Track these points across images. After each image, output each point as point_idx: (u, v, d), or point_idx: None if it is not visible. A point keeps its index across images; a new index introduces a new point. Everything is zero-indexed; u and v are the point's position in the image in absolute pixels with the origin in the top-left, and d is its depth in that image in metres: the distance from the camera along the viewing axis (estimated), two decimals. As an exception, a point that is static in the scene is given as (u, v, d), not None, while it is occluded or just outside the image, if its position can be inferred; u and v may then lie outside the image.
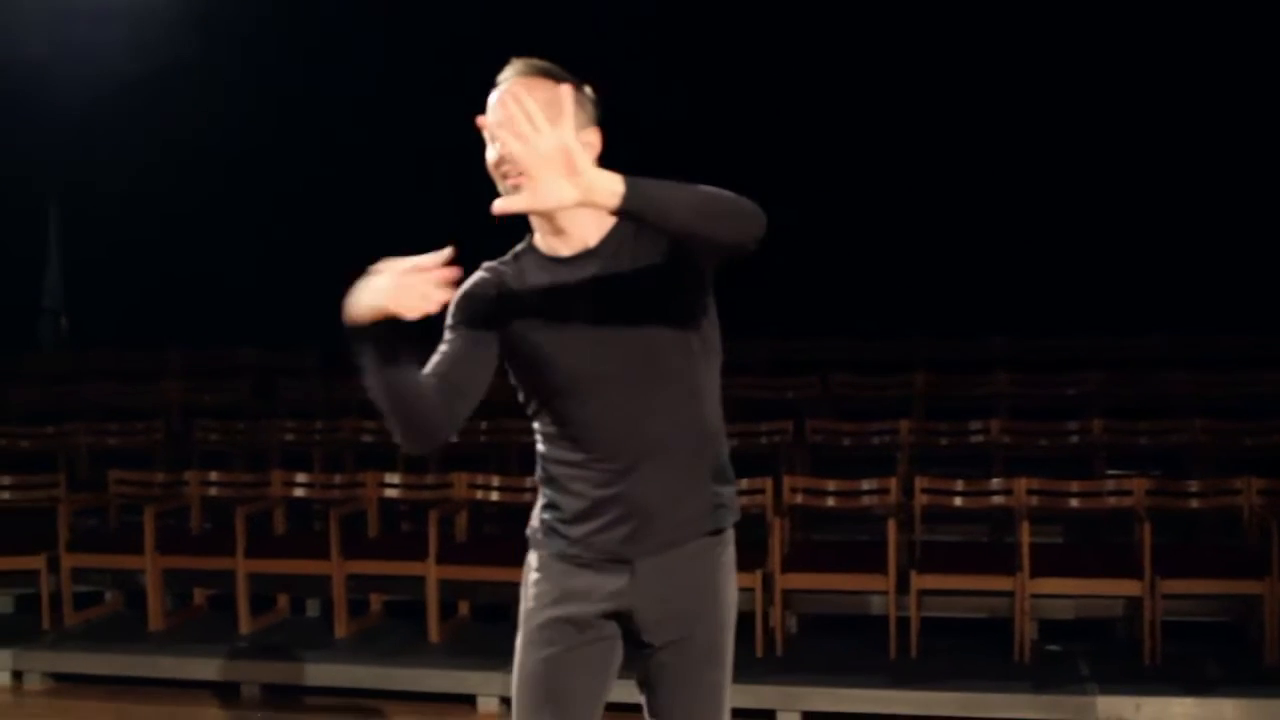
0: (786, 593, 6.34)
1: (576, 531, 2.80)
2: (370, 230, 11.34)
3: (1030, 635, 6.20)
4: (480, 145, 2.73)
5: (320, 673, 6.42)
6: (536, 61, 2.73)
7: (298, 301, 11.36)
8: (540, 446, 2.85)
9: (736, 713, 3.02)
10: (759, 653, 6.24)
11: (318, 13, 11.48)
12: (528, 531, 2.92)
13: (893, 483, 6.64)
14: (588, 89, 2.75)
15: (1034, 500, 6.52)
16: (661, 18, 11.01)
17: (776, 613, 6.31)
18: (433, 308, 2.46)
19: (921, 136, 10.87)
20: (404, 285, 2.44)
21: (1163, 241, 10.28)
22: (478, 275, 2.81)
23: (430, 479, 7.24)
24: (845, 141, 10.89)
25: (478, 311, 2.76)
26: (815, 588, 6.47)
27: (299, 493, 7.39)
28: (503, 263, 2.82)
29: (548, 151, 2.32)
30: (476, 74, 2.91)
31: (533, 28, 10.03)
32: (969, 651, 6.32)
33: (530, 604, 2.86)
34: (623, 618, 2.82)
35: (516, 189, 2.53)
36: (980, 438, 7.85)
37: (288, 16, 11.46)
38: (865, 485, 6.66)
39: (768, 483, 6.60)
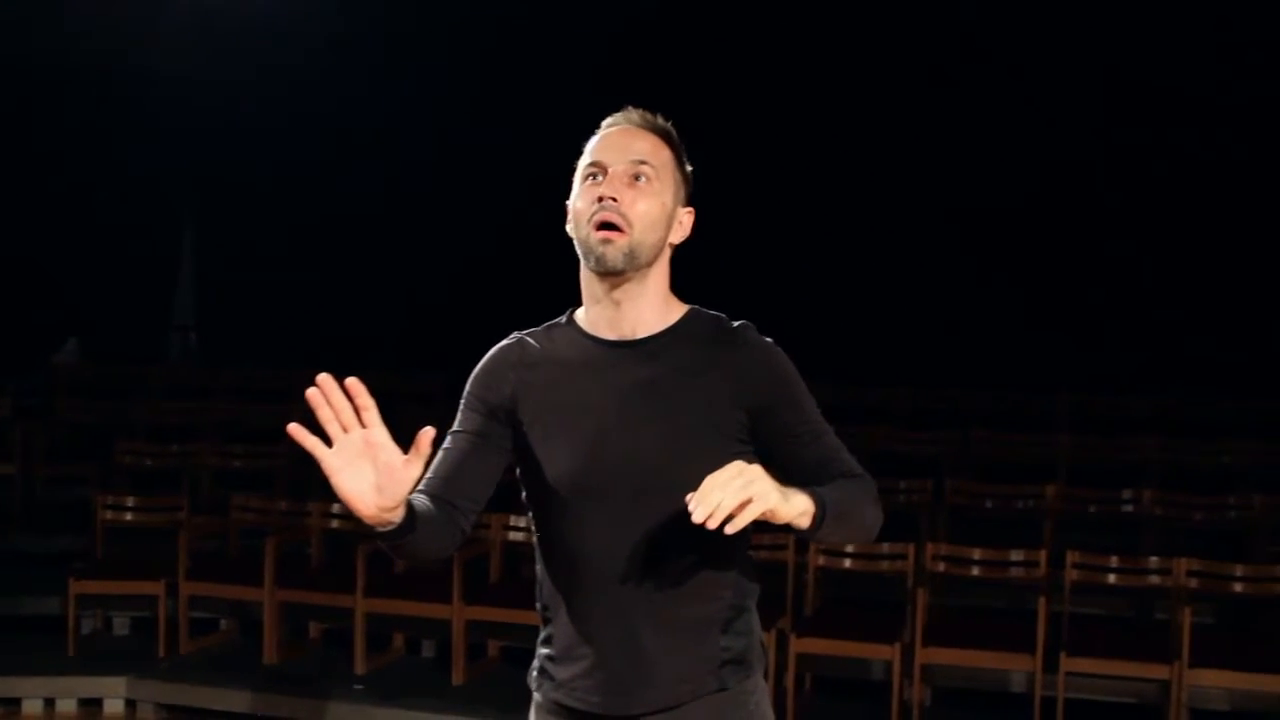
0: (925, 666, 6.04)
1: (563, 673, 2.45)
2: (506, 256, 11.29)
3: (1185, 725, 5.82)
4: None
5: (438, 723, 6.23)
6: (656, 119, 2.44)
7: (427, 325, 11.39)
8: (539, 566, 2.50)
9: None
10: (893, 728, 5.93)
11: (455, 39, 11.42)
12: (529, 671, 2.57)
13: (1042, 555, 6.28)
14: (688, 167, 2.48)
15: (1194, 582, 6.13)
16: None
17: (915, 686, 6.00)
18: (414, 469, 2.11)
19: (1075, 191, 10.52)
20: (381, 471, 2.10)
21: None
22: (501, 345, 2.50)
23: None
24: (985, 190, 10.59)
25: (490, 391, 2.44)
26: (956, 663, 6.12)
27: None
28: (533, 333, 2.48)
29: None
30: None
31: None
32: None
33: None
34: None
35: (606, 240, 2.32)
36: (1131, 507, 7.45)
37: (423, 43, 11.42)
38: (1013, 556, 6.32)
39: (909, 548, 6.30)
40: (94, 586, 7.09)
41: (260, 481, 8.36)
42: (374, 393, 2.13)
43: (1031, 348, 10.14)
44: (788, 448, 2.39)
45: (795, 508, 2.15)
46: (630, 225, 2.33)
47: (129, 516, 7.49)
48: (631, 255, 2.34)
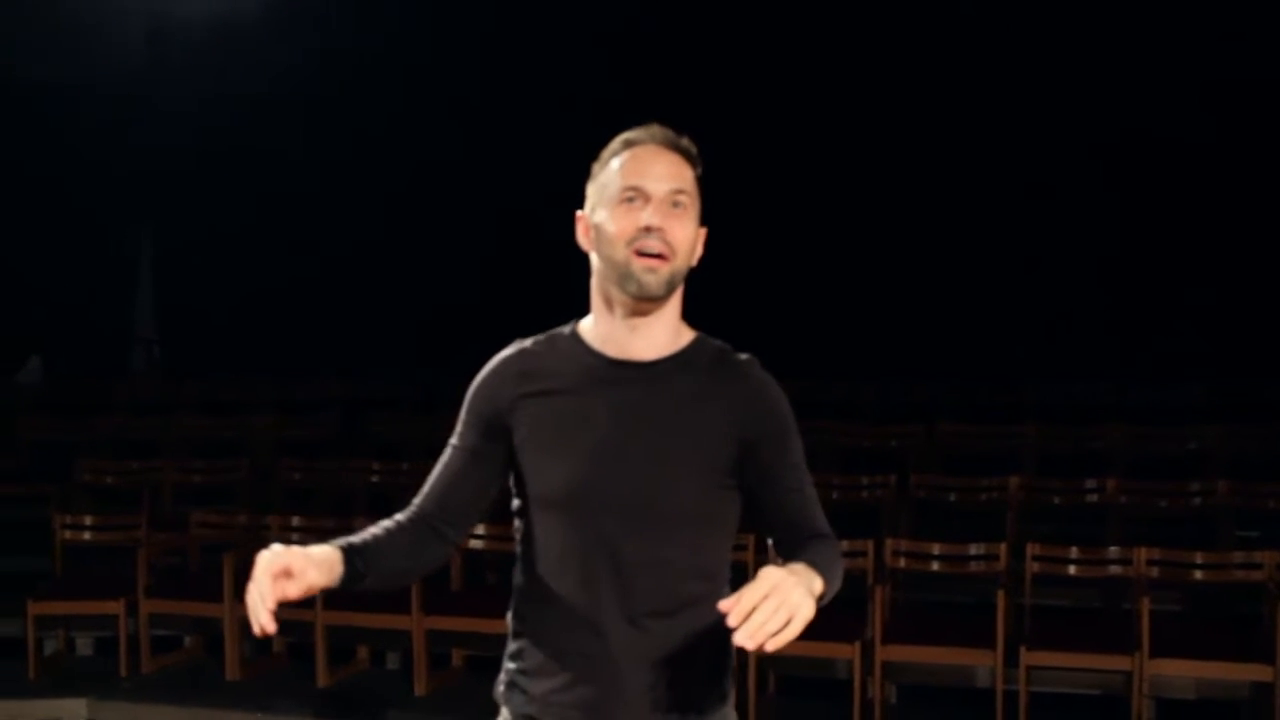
0: (886, 663, 6.01)
1: (538, 688, 2.41)
2: (463, 265, 11.26)
3: (1148, 715, 5.80)
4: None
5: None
6: (681, 139, 2.40)
7: (395, 334, 11.36)
8: (517, 578, 2.48)
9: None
10: (856, 726, 5.91)
11: (413, 51, 11.40)
12: (495, 686, 2.53)
13: (1002, 549, 6.25)
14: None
15: (1154, 571, 6.12)
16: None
17: (876, 684, 5.98)
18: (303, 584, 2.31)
19: (1052, 188, 10.53)
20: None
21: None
22: (502, 355, 2.47)
23: (518, 531, 6.97)
24: (950, 184, 10.59)
25: (488, 405, 2.42)
26: (918, 660, 6.10)
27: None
28: (536, 341, 2.46)
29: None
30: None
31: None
32: (1082, 729, 5.94)
33: None
34: None
35: (651, 269, 2.29)
36: (1095, 497, 7.43)
37: (384, 55, 11.40)
38: (973, 550, 6.29)
39: (869, 544, 6.26)
40: (54, 607, 7.05)
41: (221, 496, 8.30)
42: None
43: (995, 339, 10.14)
44: (771, 493, 2.40)
45: (815, 595, 2.15)
46: (674, 253, 2.32)
47: (87, 535, 7.42)
48: (671, 282, 2.33)
